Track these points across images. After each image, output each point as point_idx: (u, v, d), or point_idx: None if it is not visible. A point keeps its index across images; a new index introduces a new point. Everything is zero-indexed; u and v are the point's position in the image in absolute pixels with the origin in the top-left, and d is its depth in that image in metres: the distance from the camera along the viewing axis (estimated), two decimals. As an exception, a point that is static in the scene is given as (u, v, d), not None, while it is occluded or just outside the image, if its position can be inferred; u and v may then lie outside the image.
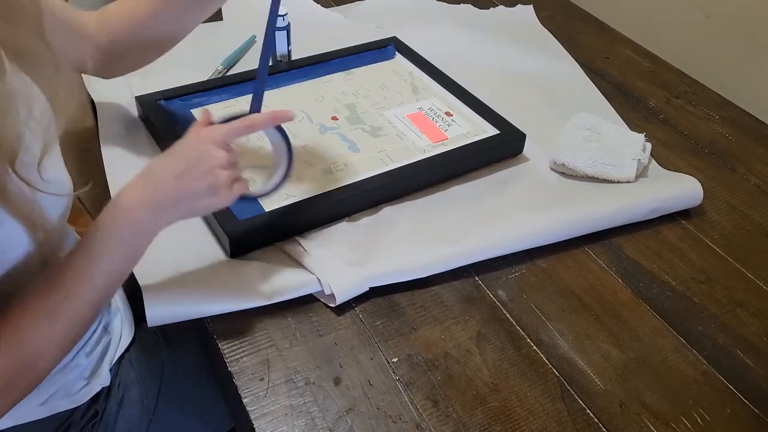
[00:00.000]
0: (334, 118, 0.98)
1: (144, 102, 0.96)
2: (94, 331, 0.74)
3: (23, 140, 0.54)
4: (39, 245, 0.59)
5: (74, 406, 0.72)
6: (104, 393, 0.75)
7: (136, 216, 0.60)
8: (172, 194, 0.61)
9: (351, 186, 0.84)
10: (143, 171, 0.62)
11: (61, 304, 0.56)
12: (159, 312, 0.70)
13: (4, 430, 0.69)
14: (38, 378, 0.57)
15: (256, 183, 0.78)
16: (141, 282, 0.72)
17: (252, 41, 1.16)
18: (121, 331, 0.78)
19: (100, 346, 0.75)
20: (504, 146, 0.96)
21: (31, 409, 0.70)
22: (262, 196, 0.75)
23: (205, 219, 0.82)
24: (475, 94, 1.03)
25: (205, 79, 1.04)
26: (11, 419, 0.69)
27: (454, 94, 1.04)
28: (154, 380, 0.78)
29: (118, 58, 0.83)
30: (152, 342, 0.81)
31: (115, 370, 0.77)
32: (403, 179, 0.87)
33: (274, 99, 1.01)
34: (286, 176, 0.75)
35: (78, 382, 0.73)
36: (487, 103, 1.01)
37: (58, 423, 0.72)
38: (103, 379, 0.75)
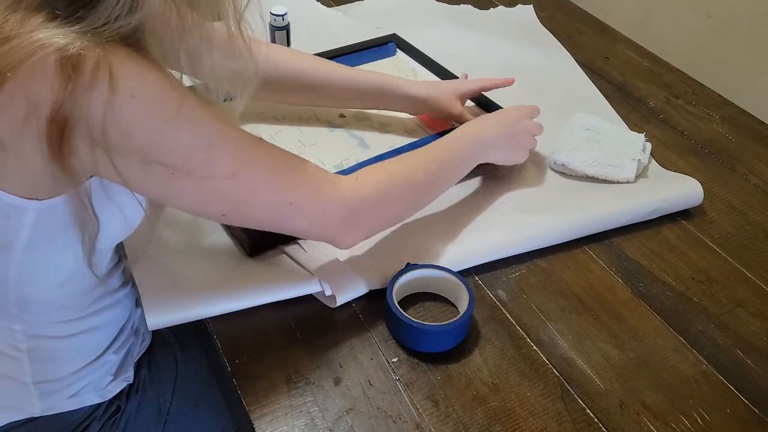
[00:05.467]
0: (342, 116, 0.98)
1: None
2: (122, 330, 0.76)
3: None
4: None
5: (102, 400, 0.75)
6: (125, 390, 0.77)
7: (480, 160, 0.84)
8: (501, 140, 0.85)
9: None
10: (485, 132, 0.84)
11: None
12: (159, 314, 0.70)
13: (36, 419, 0.72)
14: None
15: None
16: (140, 286, 0.72)
17: None
18: (144, 332, 0.80)
19: (127, 345, 0.78)
20: None
21: (62, 401, 0.73)
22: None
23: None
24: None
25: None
26: (44, 408, 0.72)
27: None
28: (169, 381, 0.80)
29: (270, 93, 0.93)
30: (166, 343, 0.83)
31: (136, 368, 0.79)
32: None
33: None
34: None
35: (106, 377, 0.75)
36: (488, 103, 1.01)
37: (84, 416, 0.74)
38: (128, 376, 0.78)
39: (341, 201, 0.68)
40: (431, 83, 0.97)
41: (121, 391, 0.77)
